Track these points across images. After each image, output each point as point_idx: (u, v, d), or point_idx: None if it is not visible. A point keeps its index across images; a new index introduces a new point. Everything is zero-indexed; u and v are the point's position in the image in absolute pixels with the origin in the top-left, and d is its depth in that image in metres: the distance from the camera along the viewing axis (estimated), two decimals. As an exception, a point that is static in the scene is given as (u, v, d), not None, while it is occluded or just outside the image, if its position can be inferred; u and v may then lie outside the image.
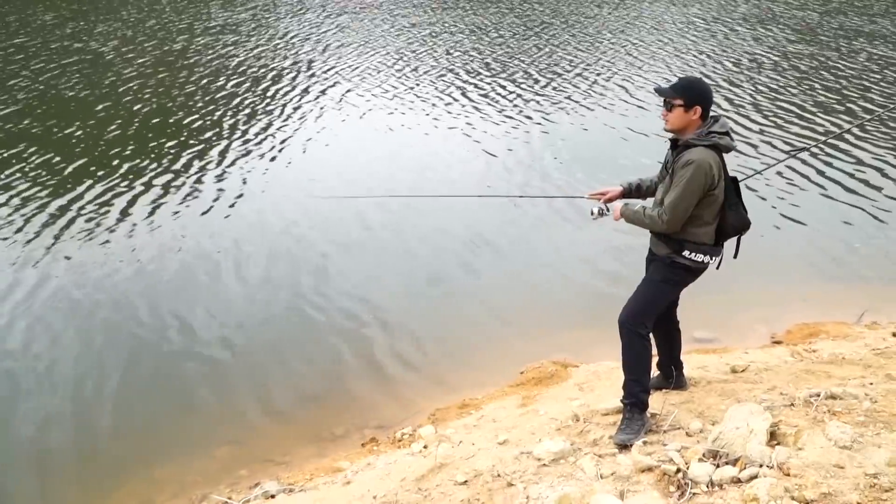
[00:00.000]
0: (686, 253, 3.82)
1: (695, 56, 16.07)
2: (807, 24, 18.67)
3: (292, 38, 18.50)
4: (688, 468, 3.34)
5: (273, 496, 4.39)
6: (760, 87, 13.42)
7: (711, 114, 3.83)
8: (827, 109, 12.07)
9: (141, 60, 15.91)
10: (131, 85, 14.02)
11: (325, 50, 17.16)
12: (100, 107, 12.76)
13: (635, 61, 15.63)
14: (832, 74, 14.18)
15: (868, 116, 11.31)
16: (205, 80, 14.51)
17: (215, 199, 9.12)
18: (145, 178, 9.73)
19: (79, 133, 11.40)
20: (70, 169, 10.03)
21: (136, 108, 12.75)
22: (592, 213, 4.18)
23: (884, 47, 16.59)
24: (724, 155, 3.84)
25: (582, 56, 16.14)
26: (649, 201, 4.09)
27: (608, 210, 4.17)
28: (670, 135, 3.90)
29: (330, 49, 17.25)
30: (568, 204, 8.47)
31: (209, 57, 16.30)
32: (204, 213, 8.75)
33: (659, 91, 3.89)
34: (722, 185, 3.78)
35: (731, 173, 3.91)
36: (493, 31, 19.03)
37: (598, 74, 14.63)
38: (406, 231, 8.24)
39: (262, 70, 15.35)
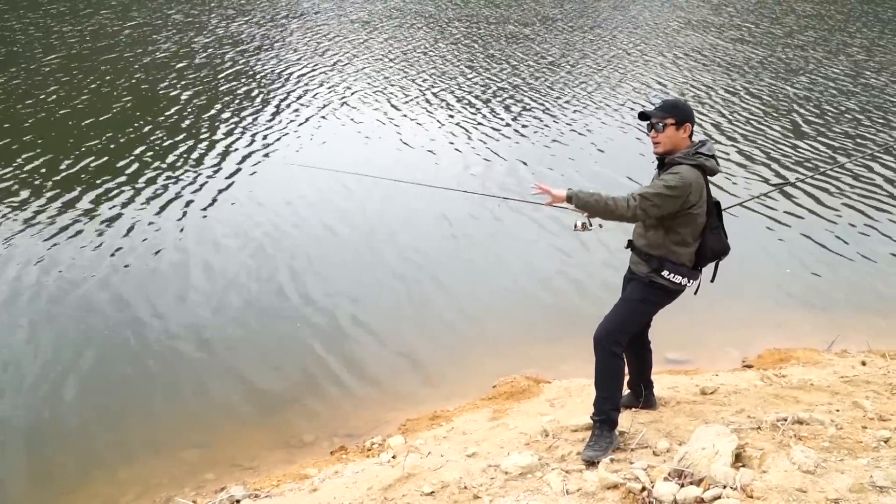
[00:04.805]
0: (665, 273, 3.85)
1: (687, 83, 16.27)
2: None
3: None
4: (653, 487, 3.36)
5: (238, 501, 4.34)
6: (747, 119, 13.56)
7: (700, 137, 3.90)
8: (812, 145, 12.23)
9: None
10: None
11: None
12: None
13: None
14: (822, 109, 14.38)
15: (847, 159, 11.48)
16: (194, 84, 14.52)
17: (185, 201, 9.09)
18: (110, 176, 9.72)
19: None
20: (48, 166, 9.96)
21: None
22: (575, 226, 4.20)
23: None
24: (710, 179, 3.90)
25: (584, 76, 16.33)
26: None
27: (591, 225, 4.19)
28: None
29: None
30: (547, 216, 8.52)
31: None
32: (174, 214, 8.71)
33: (647, 114, 3.90)
34: (704, 207, 3.83)
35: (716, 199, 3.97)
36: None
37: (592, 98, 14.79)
38: (382, 239, 8.25)
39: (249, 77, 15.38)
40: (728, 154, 11.32)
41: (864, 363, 5.72)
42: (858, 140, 12.25)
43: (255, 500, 4.31)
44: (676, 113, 3.83)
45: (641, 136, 11.79)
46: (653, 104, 13.44)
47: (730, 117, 13.41)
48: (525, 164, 10.74)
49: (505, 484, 3.67)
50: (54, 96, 12.90)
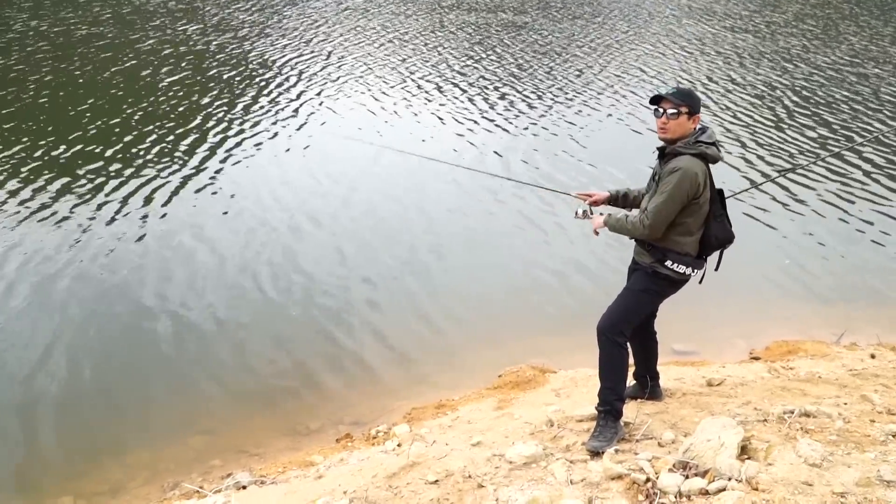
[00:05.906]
0: (668, 263, 3.83)
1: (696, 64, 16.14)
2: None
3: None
4: (657, 478, 3.35)
5: (244, 487, 4.37)
6: (753, 107, 13.46)
7: (699, 125, 3.87)
8: (817, 131, 12.12)
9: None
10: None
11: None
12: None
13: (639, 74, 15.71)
14: (822, 97, 14.24)
15: (859, 140, 11.39)
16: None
17: (194, 187, 9.12)
18: (120, 165, 9.73)
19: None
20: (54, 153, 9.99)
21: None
22: (577, 214, 4.21)
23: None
24: (712, 166, 3.86)
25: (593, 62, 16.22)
26: (635, 211, 4.10)
27: (592, 213, 4.18)
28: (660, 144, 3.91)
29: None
30: (553, 206, 8.50)
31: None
32: (182, 201, 8.73)
33: (665, 96, 3.76)
34: (707, 196, 3.80)
35: (718, 187, 3.93)
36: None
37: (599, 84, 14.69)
38: (388, 226, 8.25)
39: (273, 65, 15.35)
40: (736, 139, 11.25)
41: (873, 356, 5.69)
42: (866, 128, 12.13)
43: (260, 486, 4.33)
44: (691, 102, 3.77)
45: (635, 126, 11.76)
46: (640, 94, 13.43)
47: (729, 106, 13.30)
48: (512, 152, 10.72)
49: (509, 473, 3.67)
50: (47, 84, 12.92)
